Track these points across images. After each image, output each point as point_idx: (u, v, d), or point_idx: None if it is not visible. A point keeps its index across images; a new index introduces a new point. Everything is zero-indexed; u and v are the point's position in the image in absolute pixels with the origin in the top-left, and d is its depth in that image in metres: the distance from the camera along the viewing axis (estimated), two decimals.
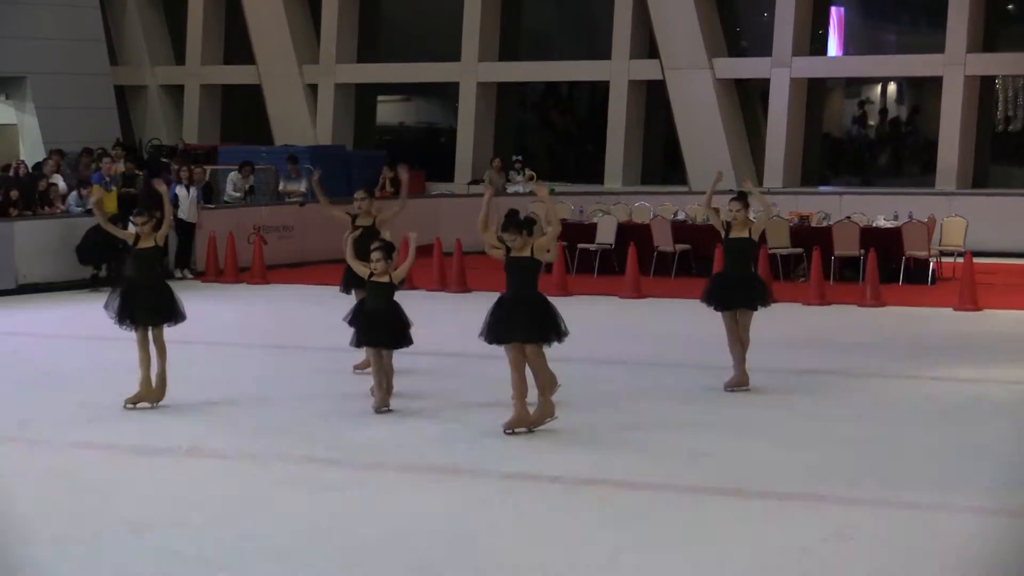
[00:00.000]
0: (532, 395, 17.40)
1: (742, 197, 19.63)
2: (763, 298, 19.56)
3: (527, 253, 18.00)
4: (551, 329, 17.64)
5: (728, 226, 19.51)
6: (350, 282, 20.36)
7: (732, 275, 19.65)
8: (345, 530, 13.40)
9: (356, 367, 20.42)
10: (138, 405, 18.55)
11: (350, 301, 20.07)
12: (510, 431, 17.01)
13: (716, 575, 12.13)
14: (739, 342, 19.24)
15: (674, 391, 19.28)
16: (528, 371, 17.39)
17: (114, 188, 33.41)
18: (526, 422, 17.15)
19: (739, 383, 19.25)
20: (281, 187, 38.62)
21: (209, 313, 28.71)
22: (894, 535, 13.37)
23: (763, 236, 30.30)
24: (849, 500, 14.46)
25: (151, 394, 18.65)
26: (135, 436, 17.39)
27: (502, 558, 12.57)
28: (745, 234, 19.48)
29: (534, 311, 17.76)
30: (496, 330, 17.73)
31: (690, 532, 13.47)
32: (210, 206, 35.14)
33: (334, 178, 39.88)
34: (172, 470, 15.97)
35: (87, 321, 23.57)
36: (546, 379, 17.68)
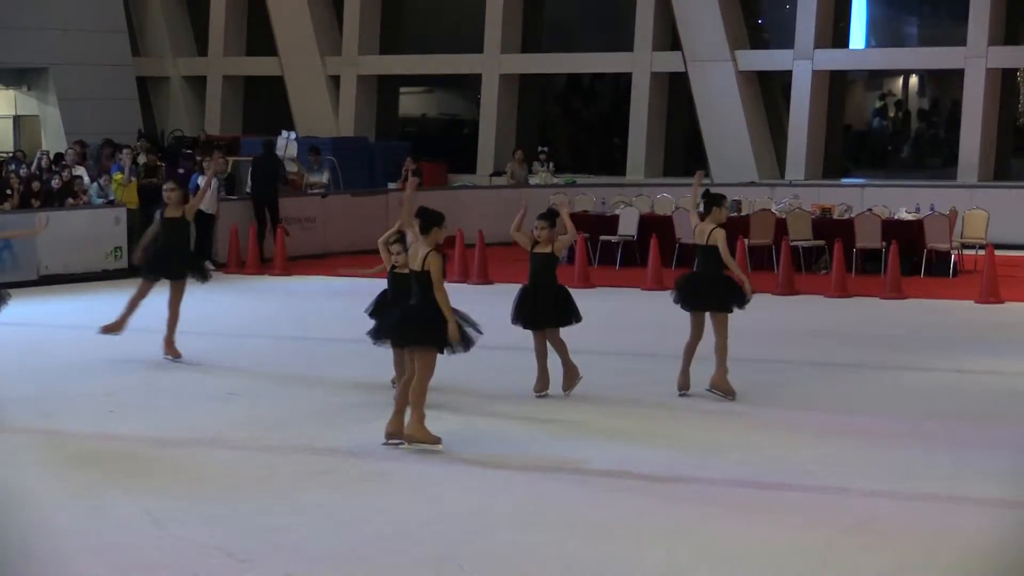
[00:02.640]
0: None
1: (717, 199, 19.45)
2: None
3: (548, 249, 18.55)
4: (572, 313, 18.85)
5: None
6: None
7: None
8: (367, 520, 13.42)
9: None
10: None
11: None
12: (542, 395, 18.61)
13: (740, 567, 12.15)
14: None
15: (696, 383, 19.27)
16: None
17: (134, 179, 33.53)
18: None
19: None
20: (306, 179, 38.61)
21: (232, 305, 28.86)
22: (915, 527, 13.38)
23: (783, 227, 30.71)
24: (871, 492, 14.48)
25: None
26: (158, 427, 17.45)
27: (523, 548, 12.61)
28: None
29: (559, 299, 18.95)
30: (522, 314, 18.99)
31: (713, 523, 13.48)
32: (232, 197, 35.14)
33: (357, 169, 40.03)
34: (195, 461, 16.01)
35: (110, 312, 23.60)
36: (566, 353, 18.80)
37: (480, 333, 16.60)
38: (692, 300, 18.97)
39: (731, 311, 18.79)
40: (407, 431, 15.81)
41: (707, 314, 18.79)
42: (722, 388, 18.66)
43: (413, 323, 15.98)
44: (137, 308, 21.94)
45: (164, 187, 22.20)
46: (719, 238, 18.75)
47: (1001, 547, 12.69)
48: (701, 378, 18.62)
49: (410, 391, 15.73)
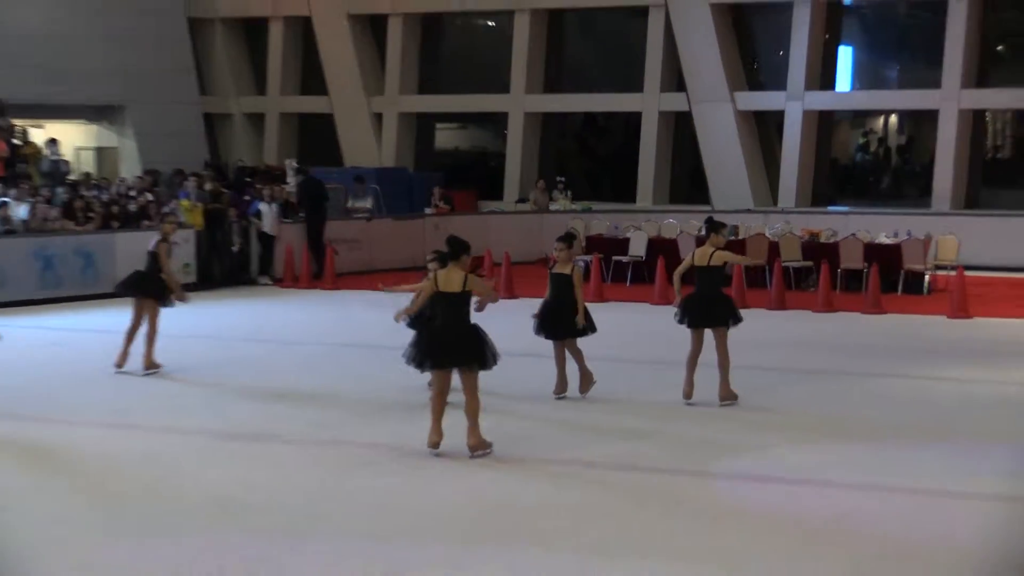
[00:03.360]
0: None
1: (715, 226, 19.38)
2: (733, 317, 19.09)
3: (567, 270, 18.63)
4: (588, 325, 18.88)
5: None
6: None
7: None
8: (405, 505, 13.49)
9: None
10: None
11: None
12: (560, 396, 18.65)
13: (737, 552, 12.17)
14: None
15: (699, 389, 19.28)
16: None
17: (199, 204, 33.62)
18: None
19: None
20: (349, 204, 38.71)
21: (286, 315, 28.92)
22: (895, 518, 13.39)
23: (775, 249, 30.61)
24: (855, 486, 14.51)
25: None
26: (220, 424, 17.50)
27: (542, 530, 12.67)
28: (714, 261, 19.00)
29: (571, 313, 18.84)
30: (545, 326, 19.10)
31: (712, 513, 13.53)
32: (287, 220, 35.25)
33: (397, 196, 40.10)
34: (254, 454, 16.06)
35: (180, 321, 23.68)
36: (583, 360, 18.90)
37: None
38: (693, 317, 18.81)
39: (728, 327, 18.71)
40: (471, 442, 15.42)
41: (708, 330, 18.70)
42: (728, 397, 18.62)
43: (461, 347, 15.53)
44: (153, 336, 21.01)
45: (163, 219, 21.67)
46: (718, 259, 18.73)
47: (974, 535, 12.71)
48: (704, 386, 18.61)
49: (468, 409, 15.41)
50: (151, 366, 20.68)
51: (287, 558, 11.90)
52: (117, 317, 27.13)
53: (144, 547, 12.19)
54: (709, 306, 18.76)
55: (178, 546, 12.26)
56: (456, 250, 15.59)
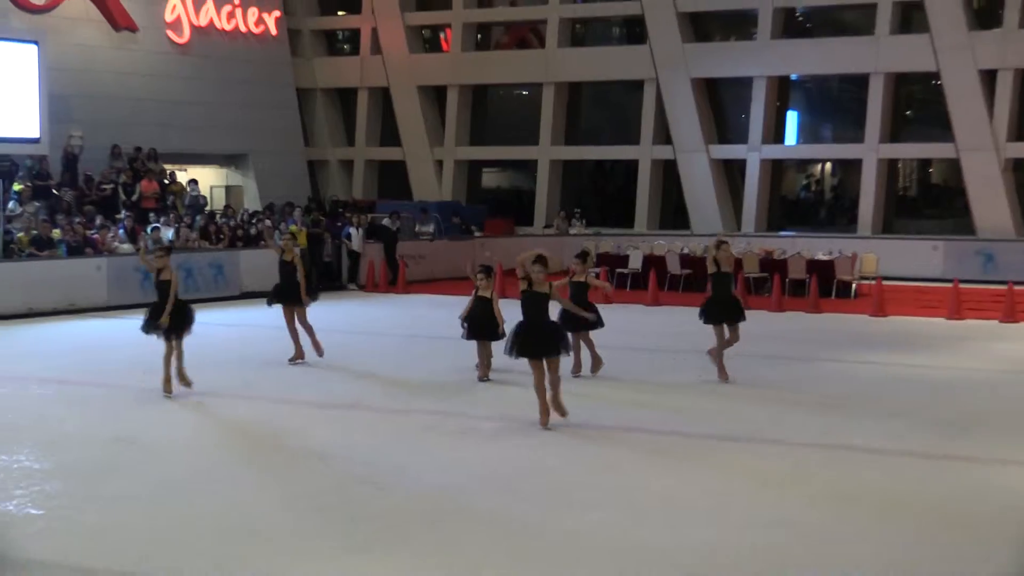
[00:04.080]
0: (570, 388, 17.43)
1: (723, 243, 19.29)
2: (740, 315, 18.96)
3: (583, 279, 18.62)
4: (598, 322, 18.73)
5: (717, 264, 18.83)
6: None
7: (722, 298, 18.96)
8: (464, 461, 13.45)
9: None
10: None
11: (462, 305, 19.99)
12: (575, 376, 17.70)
13: (716, 493, 12.11)
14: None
15: (684, 369, 19.21)
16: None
17: (304, 228, 33.73)
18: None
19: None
20: (416, 228, 38.74)
21: (369, 313, 28.90)
22: (833, 467, 13.34)
23: (740, 264, 30.60)
24: (803, 443, 14.45)
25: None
26: (322, 396, 17.48)
27: (564, 480, 12.65)
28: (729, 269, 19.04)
29: (590, 311, 18.54)
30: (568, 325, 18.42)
31: (698, 463, 13.48)
32: (370, 241, 35.29)
33: (451, 224, 40.09)
34: (344, 419, 16.02)
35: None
36: (594, 347, 18.95)
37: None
38: (714, 316, 18.75)
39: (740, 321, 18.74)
40: (557, 408, 15.00)
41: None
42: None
43: (553, 337, 15.01)
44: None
45: (279, 239, 21.14)
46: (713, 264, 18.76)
47: (895, 479, 12.64)
48: (699, 362, 18.51)
49: (555, 384, 14.87)
50: (320, 351, 20.46)
51: (368, 499, 11.86)
52: (241, 314, 27.29)
53: (260, 484, 12.25)
54: (724, 306, 18.76)
55: (283, 486, 12.29)
56: (542, 263, 15.08)
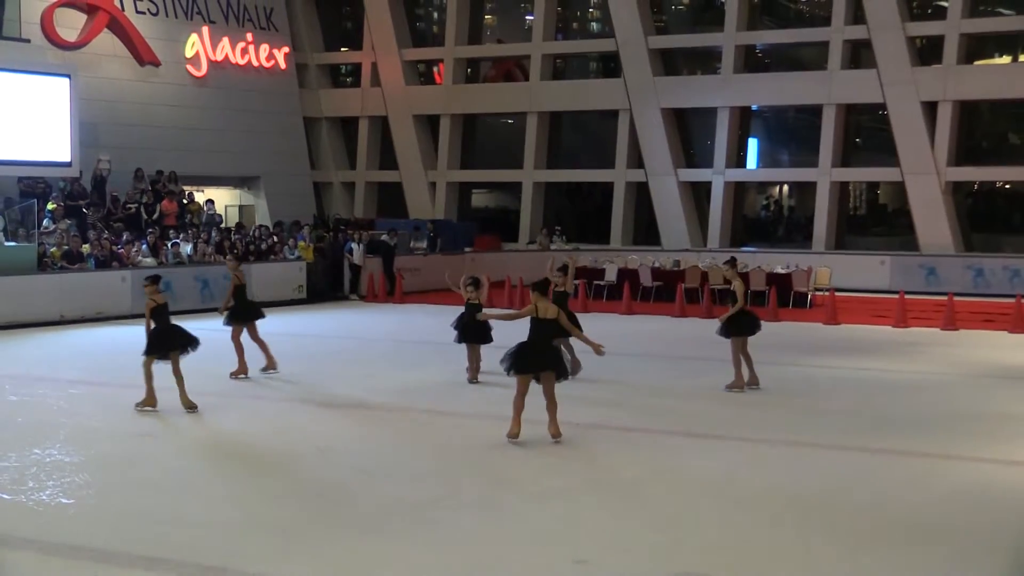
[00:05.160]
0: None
1: (732, 262, 19.04)
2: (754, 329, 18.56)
3: (563, 288, 18.57)
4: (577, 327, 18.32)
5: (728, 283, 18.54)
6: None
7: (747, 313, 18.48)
8: (459, 456, 13.46)
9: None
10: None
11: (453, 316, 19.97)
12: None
13: (683, 478, 12.15)
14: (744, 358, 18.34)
15: (659, 372, 19.24)
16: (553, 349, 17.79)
17: (310, 244, 33.74)
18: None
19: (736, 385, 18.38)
20: (411, 244, 38.72)
21: (367, 320, 28.88)
22: (780, 462, 13.38)
23: (705, 277, 30.63)
24: (760, 440, 14.48)
25: None
26: (320, 396, 17.46)
27: (560, 459, 12.65)
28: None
29: (571, 318, 18.36)
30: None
31: (664, 457, 13.51)
32: (370, 255, 35.28)
33: (445, 239, 40.12)
34: (345, 417, 16.00)
35: (300, 324, 23.78)
36: (573, 353, 18.60)
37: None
38: (729, 330, 18.32)
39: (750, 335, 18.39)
40: (553, 428, 14.09)
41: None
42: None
43: (548, 356, 14.15)
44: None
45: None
46: (738, 286, 18.37)
47: (830, 474, 12.69)
48: (674, 366, 18.49)
49: (551, 407, 14.06)
50: (274, 365, 19.61)
51: (365, 490, 11.89)
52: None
53: (267, 475, 12.24)
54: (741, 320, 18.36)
55: (287, 477, 12.30)
56: (543, 286, 14.48)
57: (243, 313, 19.43)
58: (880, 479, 12.54)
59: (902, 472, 12.96)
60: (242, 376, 19.13)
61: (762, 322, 18.75)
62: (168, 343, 16.32)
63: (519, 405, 14.07)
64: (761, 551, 9.95)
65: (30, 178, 32.10)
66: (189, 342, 16.44)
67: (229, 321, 19.42)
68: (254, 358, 19.35)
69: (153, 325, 16.40)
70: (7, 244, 27.72)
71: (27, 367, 20.33)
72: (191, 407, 16.02)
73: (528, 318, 14.19)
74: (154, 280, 16.80)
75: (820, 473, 12.79)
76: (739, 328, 18.26)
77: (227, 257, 21.07)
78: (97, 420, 15.61)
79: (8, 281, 26.20)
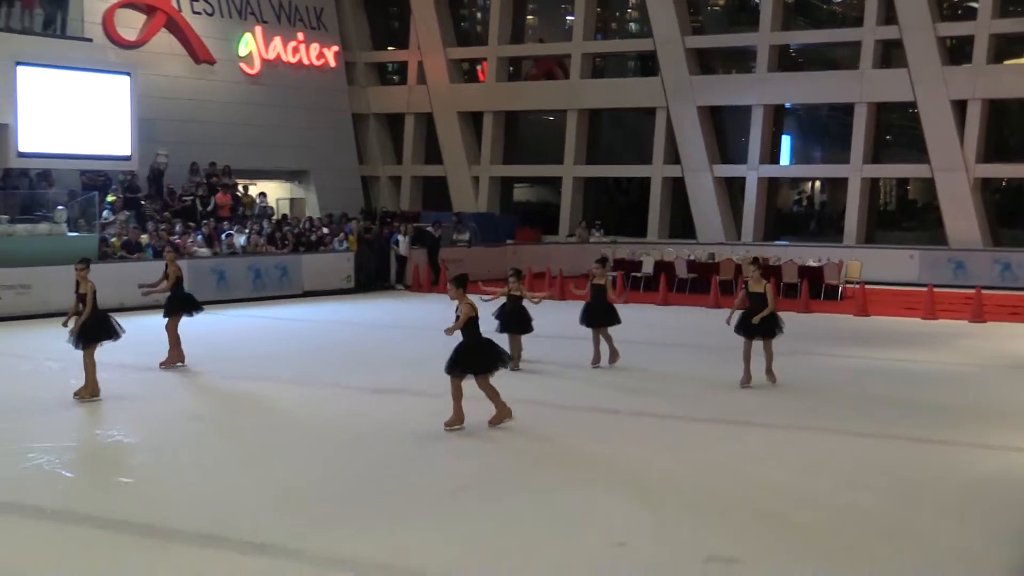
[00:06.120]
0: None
1: (756, 262, 17.79)
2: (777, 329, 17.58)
3: (602, 282, 18.59)
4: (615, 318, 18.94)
5: (746, 284, 17.64)
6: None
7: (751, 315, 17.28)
8: (499, 439, 13.47)
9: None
10: None
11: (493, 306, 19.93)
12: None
13: (709, 465, 12.13)
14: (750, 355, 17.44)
15: (693, 361, 19.19)
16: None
17: (358, 235, 33.84)
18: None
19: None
20: (455, 236, 38.75)
21: (413, 309, 28.94)
22: (819, 448, 13.32)
23: (739, 269, 30.50)
24: (790, 427, 14.43)
25: None
26: (367, 381, 17.51)
27: (582, 457, 12.65)
28: (760, 289, 17.27)
29: (608, 309, 18.96)
30: (587, 319, 18.96)
31: (695, 443, 13.49)
32: (415, 246, 35.38)
33: (487, 231, 40.15)
34: (391, 402, 16.02)
35: (343, 312, 23.83)
36: (612, 342, 18.78)
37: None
38: (750, 330, 17.29)
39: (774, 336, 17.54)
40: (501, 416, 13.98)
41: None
42: (771, 376, 17.45)
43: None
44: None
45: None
46: (768, 287, 17.29)
47: (858, 461, 12.63)
48: (704, 355, 18.45)
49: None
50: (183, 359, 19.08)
51: (407, 472, 11.92)
52: (302, 310, 27.39)
53: (313, 457, 12.30)
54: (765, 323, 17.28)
55: (339, 454, 12.36)
56: (461, 281, 14.09)
57: (181, 304, 18.89)
58: (909, 466, 12.45)
59: (933, 460, 12.88)
60: (179, 364, 18.59)
61: (784, 320, 17.92)
62: (106, 331, 16.08)
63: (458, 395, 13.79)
64: (791, 536, 9.92)
65: (91, 171, 32.33)
66: (117, 331, 16.20)
67: (168, 313, 18.77)
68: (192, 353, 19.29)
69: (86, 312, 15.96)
70: (70, 235, 27.94)
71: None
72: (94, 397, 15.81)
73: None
74: (87, 263, 16.40)
75: (849, 459, 12.72)
76: (765, 328, 17.42)
77: (166, 249, 19.62)
78: (153, 403, 15.72)
79: (71, 270, 26.35)
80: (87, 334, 15.92)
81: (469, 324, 13.80)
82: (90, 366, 15.88)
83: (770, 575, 8.88)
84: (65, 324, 16.31)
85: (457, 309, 13.88)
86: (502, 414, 14.08)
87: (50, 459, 12.36)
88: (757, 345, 17.49)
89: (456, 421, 13.77)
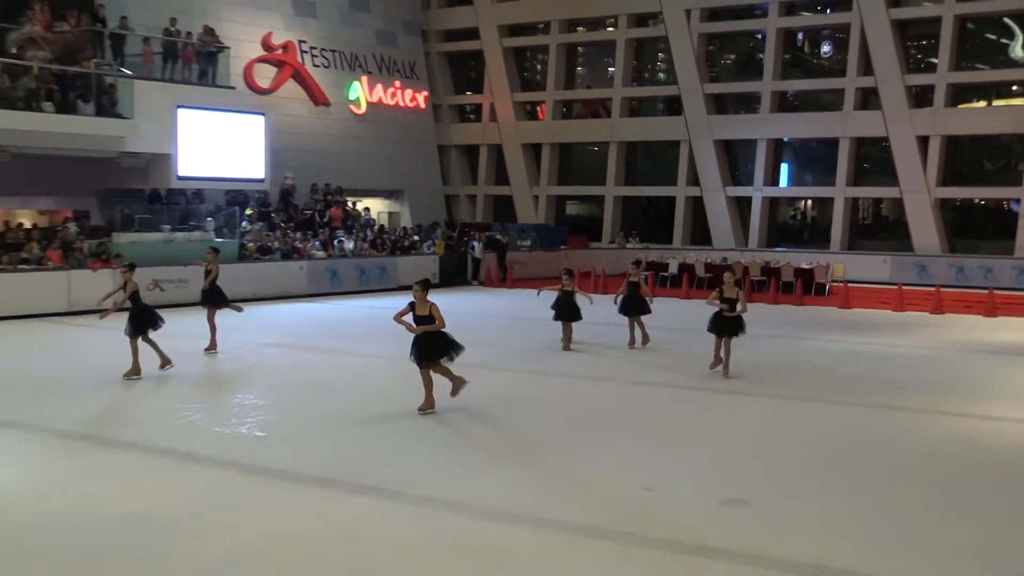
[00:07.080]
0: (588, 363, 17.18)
1: (731, 271, 17.34)
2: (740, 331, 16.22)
3: (636, 279, 18.43)
4: (645, 307, 18.67)
5: (721, 289, 16.10)
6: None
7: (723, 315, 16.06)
8: (555, 405, 13.40)
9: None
10: None
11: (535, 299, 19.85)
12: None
13: (723, 427, 12.03)
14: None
15: (707, 343, 19.05)
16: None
17: (442, 242, 33.83)
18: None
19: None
20: (519, 243, 38.67)
21: (485, 301, 28.92)
22: (806, 415, 13.19)
23: (746, 270, 30.08)
24: (787, 397, 14.29)
25: None
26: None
27: (614, 417, 12.56)
28: (733, 295, 15.86)
29: (643, 302, 18.66)
30: (624, 309, 18.68)
31: (710, 407, 13.40)
32: (487, 251, 35.37)
33: (545, 239, 40.03)
34: (466, 373, 15.99)
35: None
36: (644, 328, 18.52)
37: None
38: (720, 330, 16.05)
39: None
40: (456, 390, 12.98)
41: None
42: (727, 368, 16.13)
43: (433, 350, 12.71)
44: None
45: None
46: (740, 294, 15.98)
47: (847, 427, 12.47)
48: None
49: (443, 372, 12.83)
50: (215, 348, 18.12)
51: (480, 434, 11.91)
52: (397, 301, 27.44)
53: (402, 420, 12.26)
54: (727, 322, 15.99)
55: (418, 424, 12.33)
56: (426, 285, 13.01)
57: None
58: (883, 428, 12.36)
59: (901, 423, 12.74)
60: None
61: (747, 323, 16.54)
62: (150, 323, 15.30)
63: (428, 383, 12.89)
64: (790, 483, 9.85)
65: (234, 191, 32.65)
66: (158, 321, 15.43)
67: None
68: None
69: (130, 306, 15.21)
70: (217, 240, 28.26)
71: (231, 333, 20.64)
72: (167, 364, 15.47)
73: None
74: (131, 267, 15.52)
75: (835, 423, 12.61)
76: (730, 329, 16.09)
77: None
78: (283, 373, 15.85)
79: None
80: (136, 325, 15.13)
81: (425, 320, 12.66)
82: (137, 351, 14.96)
83: (772, 513, 8.83)
84: (102, 317, 15.69)
85: (420, 308, 12.72)
86: (428, 403, 12.76)
87: (200, 416, 12.51)
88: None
89: (428, 406, 12.75)
